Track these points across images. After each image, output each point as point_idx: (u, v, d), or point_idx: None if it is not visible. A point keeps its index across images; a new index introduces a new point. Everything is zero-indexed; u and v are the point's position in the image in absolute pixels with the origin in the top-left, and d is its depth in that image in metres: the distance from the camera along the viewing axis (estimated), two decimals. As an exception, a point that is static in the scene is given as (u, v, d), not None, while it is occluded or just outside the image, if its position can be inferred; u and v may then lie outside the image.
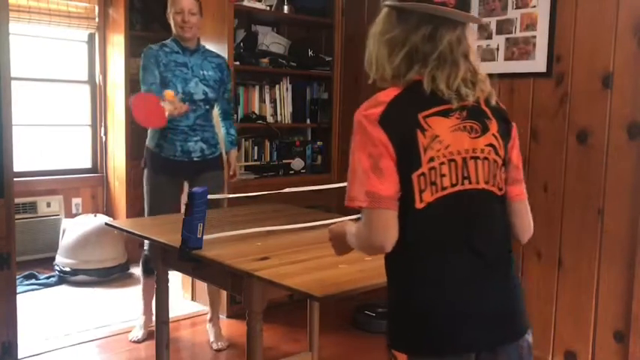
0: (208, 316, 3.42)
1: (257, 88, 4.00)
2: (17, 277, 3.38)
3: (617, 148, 2.81)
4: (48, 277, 4.31)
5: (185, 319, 3.68)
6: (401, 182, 1.30)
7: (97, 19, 4.85)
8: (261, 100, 4.03)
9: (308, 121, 4.27)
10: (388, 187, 1.29)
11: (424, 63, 1.33)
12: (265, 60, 3.97)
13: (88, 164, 5.05)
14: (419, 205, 1.30)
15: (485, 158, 1.35)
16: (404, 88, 1.34)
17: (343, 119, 4.22)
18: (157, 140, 3.14)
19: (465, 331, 1.31)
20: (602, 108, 2.84)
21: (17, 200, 3.58)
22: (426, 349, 1.34)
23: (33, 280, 4.27)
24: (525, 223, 1.48)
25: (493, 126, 1.37)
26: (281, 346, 3.31)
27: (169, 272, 2.49)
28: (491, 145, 1.36)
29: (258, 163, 4.03)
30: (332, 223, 2.55)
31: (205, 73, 3.15)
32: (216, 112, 3.31)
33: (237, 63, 3.71)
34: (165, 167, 3.12)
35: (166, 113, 2.83)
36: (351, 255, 2.03)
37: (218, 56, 3.28)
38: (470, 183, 1.33)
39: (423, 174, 1.30)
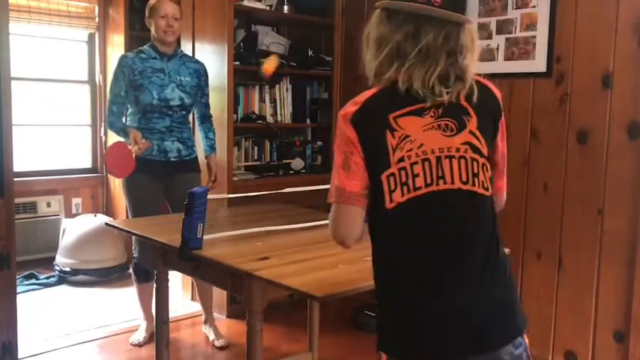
0: (203, 318, 3.42)
1: (257, 88, 4.00)
2: (17, 277, 3.38)
3: (617, 148, 2.81)
4: (48, 277, 4.31)
5: (185, 319, 3.67)
6: (372, 182, 1.32)
7: (97, 19, 4.86)
8: (261, 100, 4.03)
9: (308, 121, 4.27)
10: (355, 184, 1.31)
11: (403, 61, 1.32)
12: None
13: (88, 164, 5.05)
14: (389, 205, 1.30)
15: (462, 157, 1.30)
16: (380, 88, 1.35)
17: (343, 119, 4.22)
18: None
19: (424, 341, 1.29)
20: (602, 108, 2.84)
21: (17, 200, 3.58)
22: (394, 352, 1.34)
23: (33, 280, 4.27)
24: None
25: (472, 123, 1.33)
26: (281, 346, 3.31)
27: (169, 272, 2.50)
28: (468, 143, 1.31)
29: (258, 163, 4.03)
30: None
31: (182, 78, 3.14)
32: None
33: (237, 63, 3.71)
34: (142, 166, 3.04)
35: (133, 155, 2.91)
36: (351, 255, 2.03)
37: (197, 62, 3.27)
38: (445, 183, 1.29)
39: (392, 174, 1.29)
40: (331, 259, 1.97)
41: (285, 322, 3.57)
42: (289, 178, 4.02)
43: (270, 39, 4.16)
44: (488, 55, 3.24)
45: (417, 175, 1.28)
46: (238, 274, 1.89)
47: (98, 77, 4.97)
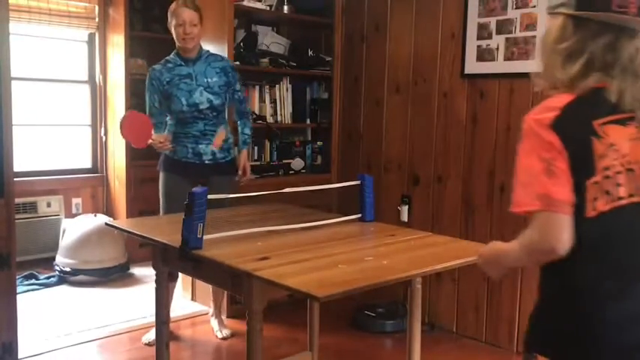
0: (210, 312, 3.45)
1: (257, 88, 4.00)
2: (17, 277, 3.38)
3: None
4: (48, 277, 4.31)
5: (185, 319, 3.68)
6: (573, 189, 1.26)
7: (97, 19, 4.85)
8: (261, 100, 4.03)
9: (308, 121, 4.27)
10: (562, 191, 1.24)
11: (606, 72, 1.31)
12: (265, 60, 3.97)
13: (88, 164, 5.05)
14: (590, 214, 1.25)
15: None
16: (577, 95, 1.30)
17: (343, 119, 4.22)
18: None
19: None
20: (602, 108, 2.84)
21: (17, 200, 3.58)
22: None
23: (33, 280, 4.27)
24: None
25: None
26: (281, 346, 3.31)
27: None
28: None
29: (258, 163, 4.02)
30: (332, 223, 2.54)
31: (209, 80, 3.17)
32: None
33: (237, 63, 3.71)
34: (178, 167, 3.18)
35: (149, 141, 3.04)
36: (351, 255, 2.04)
37: (222, 59, 3.29)
38: None
39: (596, 182, 1.25)
40: (331, 259, 1.97)
41: (285, 322, 3.57)
42: (289, 178, 4.02)
43: (270, 39, 4.16)
44: (487, 55, 3.24)
45: (620, 184, 1.27)
46: (238, 274, 1.89)
47: (98, 77, 4.97)
